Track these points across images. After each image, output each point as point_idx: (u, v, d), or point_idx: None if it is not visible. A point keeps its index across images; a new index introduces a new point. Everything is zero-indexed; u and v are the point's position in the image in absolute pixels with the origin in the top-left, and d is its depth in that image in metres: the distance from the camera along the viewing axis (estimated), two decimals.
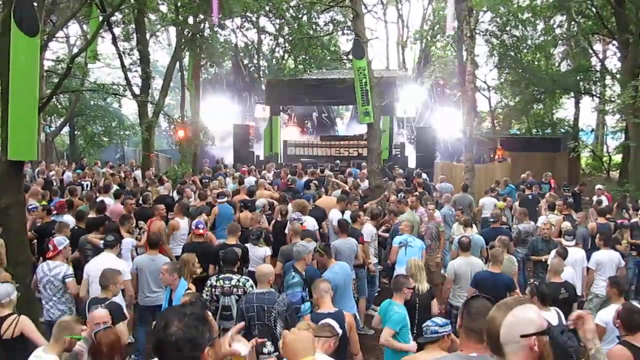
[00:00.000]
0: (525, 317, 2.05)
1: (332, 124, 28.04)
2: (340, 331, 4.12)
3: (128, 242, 7.27)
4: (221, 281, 5.47)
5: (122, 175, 14.85)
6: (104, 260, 5.95)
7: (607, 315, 5.12)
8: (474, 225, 9.19)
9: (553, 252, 7.10)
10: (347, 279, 6.15)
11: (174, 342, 1.94)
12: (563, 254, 6.85)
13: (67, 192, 10.62)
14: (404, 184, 13.07)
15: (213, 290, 5.44)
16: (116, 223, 7.46)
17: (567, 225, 8.32)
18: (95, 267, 5.87)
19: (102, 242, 6.56)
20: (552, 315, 4.93)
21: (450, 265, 7.10)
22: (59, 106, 24.96)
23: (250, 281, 5.47)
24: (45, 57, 19.79)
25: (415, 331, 5.29)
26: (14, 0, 6.10)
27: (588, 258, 7.67)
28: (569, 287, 6.11)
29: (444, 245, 9.01)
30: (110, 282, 5.12)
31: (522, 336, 2.01)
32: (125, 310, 5.16)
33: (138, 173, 15.53)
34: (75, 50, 23.60)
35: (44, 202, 9.36)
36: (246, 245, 7.11)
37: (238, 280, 5.45)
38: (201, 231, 7.22)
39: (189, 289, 5.52)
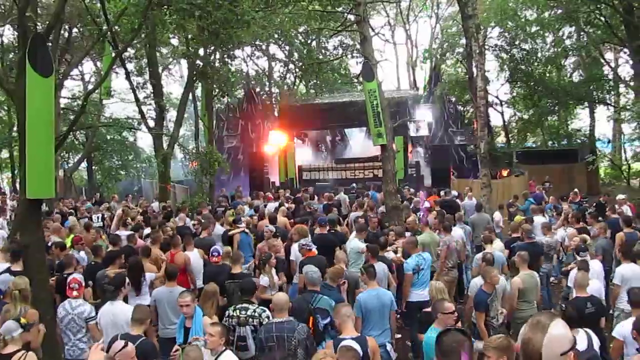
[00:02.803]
0: (560, 335, 2.03)
1: (346, 147, 28.11)
2: (361, 352, 4.05)
3: (148, 276, 7.24)
4: (238, 311, 5.42)
5: (142, 208, 14.92)
6: (115, 310, 5.72)
7: (625, 328, 5.06)
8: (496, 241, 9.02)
9: (574, 267, 6.95)
10: (383, 307, 5.94)
11: None
12: (585, 267, 6.68)
13: (83, 227, 10.70)
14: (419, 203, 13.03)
15: (230, 320, 5.39)
16: (138, 258, 7.41)
17: (581, 238, 8.14)
18: (106, 315, 5.71)
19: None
20: (581, 338, 4.56)
21: (472, 283, 6.98)
22: (76, 142, 25.36)
23: (267, 312, 5.39)
24: (60, 94, 20.22)
25: None
26: (29, 42, 6.23)
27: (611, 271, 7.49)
28: (595, 301, 5.88)
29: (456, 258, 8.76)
30: (145, 317, 5.10)
31: (562, 354, 1.99)
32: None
33: (155, 205, 15.62)
34: (90, 87, 24.06)
35: (70, 238, 9.50)
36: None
37: (254, 311, 5.38)
38: (215, 259, 7.46)
39: (204, 315, 5.53)
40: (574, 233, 8.73)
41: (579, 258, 7.29)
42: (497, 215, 11.81)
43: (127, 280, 6.24)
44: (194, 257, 8.22)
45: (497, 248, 8.36)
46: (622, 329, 5.08)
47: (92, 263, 7.83)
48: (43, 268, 6.83)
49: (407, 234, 9.19)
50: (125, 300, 6.53)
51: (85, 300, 6.24)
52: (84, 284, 6.03)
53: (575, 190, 14.89)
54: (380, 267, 7.23)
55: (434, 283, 5.99)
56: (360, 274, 6.46)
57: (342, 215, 12.58)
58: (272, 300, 5.28)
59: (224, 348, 4.53)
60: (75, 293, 5.92)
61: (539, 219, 10.33)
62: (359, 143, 26.68)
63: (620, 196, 12.60)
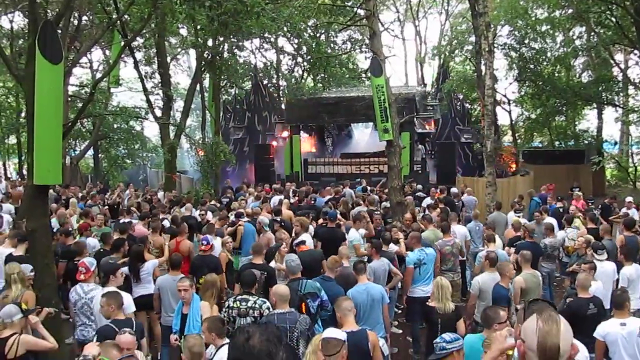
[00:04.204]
0: (568, 325, 2.03)
1: (352, 141, 28.06)
2: (344, 337, 4.06)
3: (150, 264, 7.30)
4: (238, 302, 5.42)
5: (148, 197, 14.99)
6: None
7: (603, 329, 5.13)
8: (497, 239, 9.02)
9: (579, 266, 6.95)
10: (373, 301, 5.99)
11: (255, 354, 1.96)
12: (593, 268, 6.70)
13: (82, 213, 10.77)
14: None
15: (230, 311, 5.39)
16: (141, 247, 7.47)
17: (586, 239, 8.14)
18: (97, 302, 5.68)
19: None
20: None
21: (474, 281, 6.99)
22: (83, 130, 25.42)
23: (268, 303, 5.41)
24: (69, 82, 20.26)
25: None
26: (39, 29, 6.27)
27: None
28: (597, 302, 5.89)
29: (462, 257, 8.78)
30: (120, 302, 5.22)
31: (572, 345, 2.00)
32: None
33: (160, 194, 15.69)
34: (98, 75, 24.12)
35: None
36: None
37: (255, 302, 5.38)
38: (203, 247, 7.49)
39: (201, 299, 5.64)
40: (584, 232, 8.74)
41: (596, 256, 7.32)
42: (512, 215, 11.75)
43: (121, 269, 6.29)
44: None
45: (498, 246, 8.40)
46: (602, 329, 5.15)
47: (101, 250, 7.92)
48: (49, 253, 6.90)
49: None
50: (130, 288, 6.61)
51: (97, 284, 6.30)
52: (92, 269, 6.06)
53: (578, 193, 14.53)
54: (381, 263, 7.27)
55: (439, 280, 5.99)
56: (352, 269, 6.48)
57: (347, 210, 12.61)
58: (274, 291, 5.29)
59: (225, 341, 4.52)
60: (82, 277, 6.01)
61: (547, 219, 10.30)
62: (365, 138, 26.65)
63: (629, 198, 12.51)
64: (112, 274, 5.91)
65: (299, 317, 4.98)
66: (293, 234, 8.87)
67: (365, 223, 9.26)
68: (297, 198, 13.90)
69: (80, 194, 14.86)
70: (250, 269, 6.55)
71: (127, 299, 5.67)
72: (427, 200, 12.99)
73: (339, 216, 9.97)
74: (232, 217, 10.58)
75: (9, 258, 6.78)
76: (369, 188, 15.49)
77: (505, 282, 6.33)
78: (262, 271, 6.61)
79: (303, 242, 7.83)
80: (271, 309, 5.30)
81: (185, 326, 5.44)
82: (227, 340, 4.59)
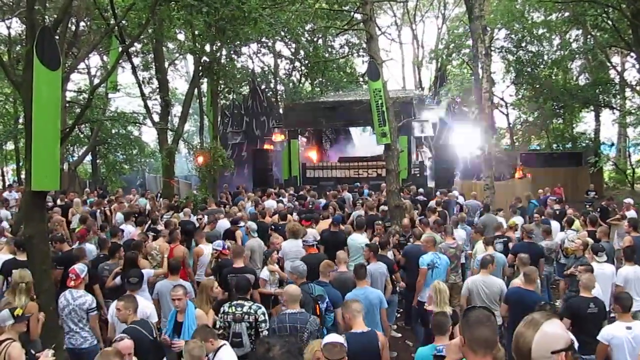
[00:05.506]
0: (555, 333, 2.08)
1: (350, 145, 28.11)
2: (344, 341, 4.07)
3: (145, 273, 7.26)
4: (233, 308, 5.45)
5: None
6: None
7: (608, 332, 5.14)
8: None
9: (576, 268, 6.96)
10: (371, 306, 5.98)
11: None
12: (589, 270, 6.70)
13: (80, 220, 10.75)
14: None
15: (225, 316, 5.43)
16: (135, 253, 7.43)
17: (583, 241, 8.14)
18: (113, 308, 5.73)
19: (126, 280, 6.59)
20: None
21: (465, 283, 7.03)
22: (81, 135, 25.40)
23: (263, 309, 5.46)
24: (67, 88, 20.27)
25: None
26: (36, 35, 6.28)
27: None
28: (598, 302, 5.90)
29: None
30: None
31: (553, 352, 2.04)
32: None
33: (160, 200, 15.68)
34: (96, 80, 24.12)
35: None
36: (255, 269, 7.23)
37: (250, 308, 5.41)
38: (225, 251, 7.58)
39: (196, 306, 5.60)
40: (584, 235, 8.75)
41: (597, 258, 7.35)
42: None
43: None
44: (207, 251, 8.32)
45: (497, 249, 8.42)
46: (607, 332, 5.16)
47: (101, 256, 7.92)
48: (47, 259, 6.88)
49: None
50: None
51: (87, 291, 6.28)
52: (82, 276, 6.05)
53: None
54: (378, 266, 7.28)
55: (436, 284, 5.97)
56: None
57: (346, 214, 12.66)
58: (285, 292, 5.37)
59: (222, 343, 4.55)
60: (72, 283, 6.00)
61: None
62: (363, 142, 26.66)
63: (628, 200, 12.48)
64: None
65: (310, 318, 5.04)
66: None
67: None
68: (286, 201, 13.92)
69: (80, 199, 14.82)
70: (232, 272, 6.67)
71: (149, 306, 5.81)
72: (432, 204, 13.01)
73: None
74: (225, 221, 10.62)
75: (14, 263, 6.79)
76: (366, 191, 15.54)
77: (532, 287, 6.28)
78: (244, 273, 6.64)
79: (312, 245, 7.86)
80: (266, 315, 5.37)
81: (180, 335, 5.43)
82: (223, 342, 4.65)
